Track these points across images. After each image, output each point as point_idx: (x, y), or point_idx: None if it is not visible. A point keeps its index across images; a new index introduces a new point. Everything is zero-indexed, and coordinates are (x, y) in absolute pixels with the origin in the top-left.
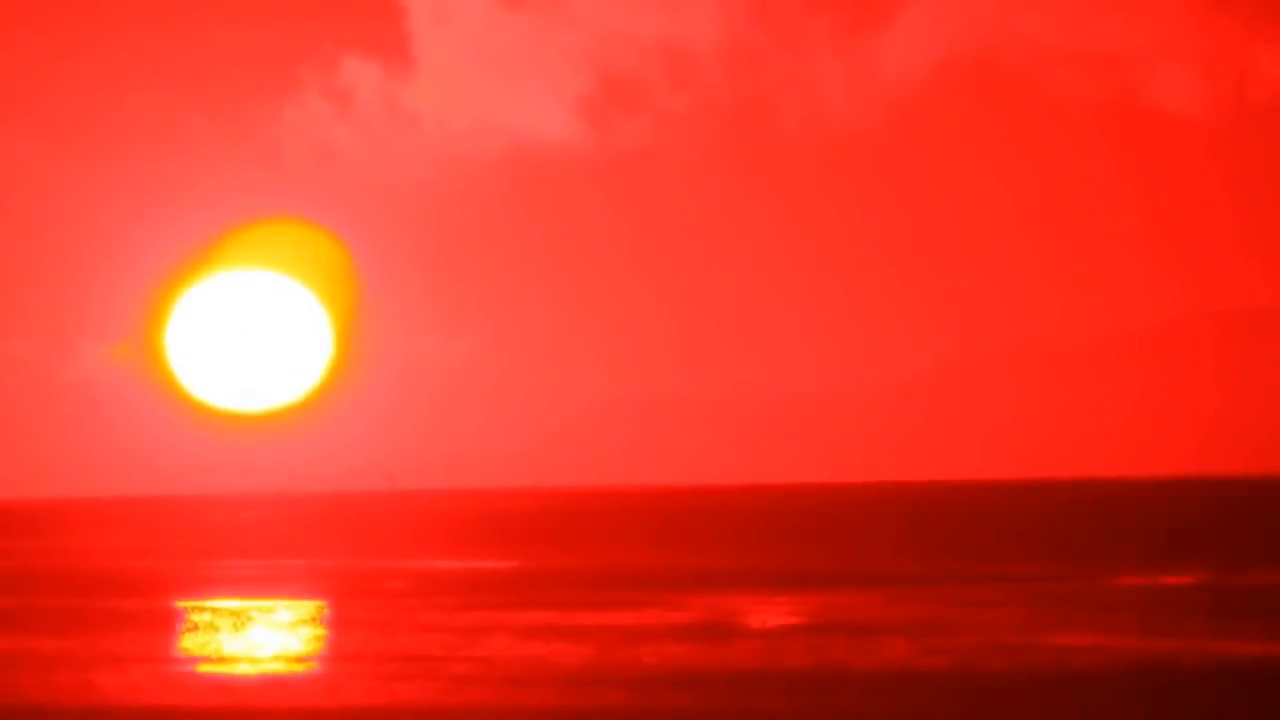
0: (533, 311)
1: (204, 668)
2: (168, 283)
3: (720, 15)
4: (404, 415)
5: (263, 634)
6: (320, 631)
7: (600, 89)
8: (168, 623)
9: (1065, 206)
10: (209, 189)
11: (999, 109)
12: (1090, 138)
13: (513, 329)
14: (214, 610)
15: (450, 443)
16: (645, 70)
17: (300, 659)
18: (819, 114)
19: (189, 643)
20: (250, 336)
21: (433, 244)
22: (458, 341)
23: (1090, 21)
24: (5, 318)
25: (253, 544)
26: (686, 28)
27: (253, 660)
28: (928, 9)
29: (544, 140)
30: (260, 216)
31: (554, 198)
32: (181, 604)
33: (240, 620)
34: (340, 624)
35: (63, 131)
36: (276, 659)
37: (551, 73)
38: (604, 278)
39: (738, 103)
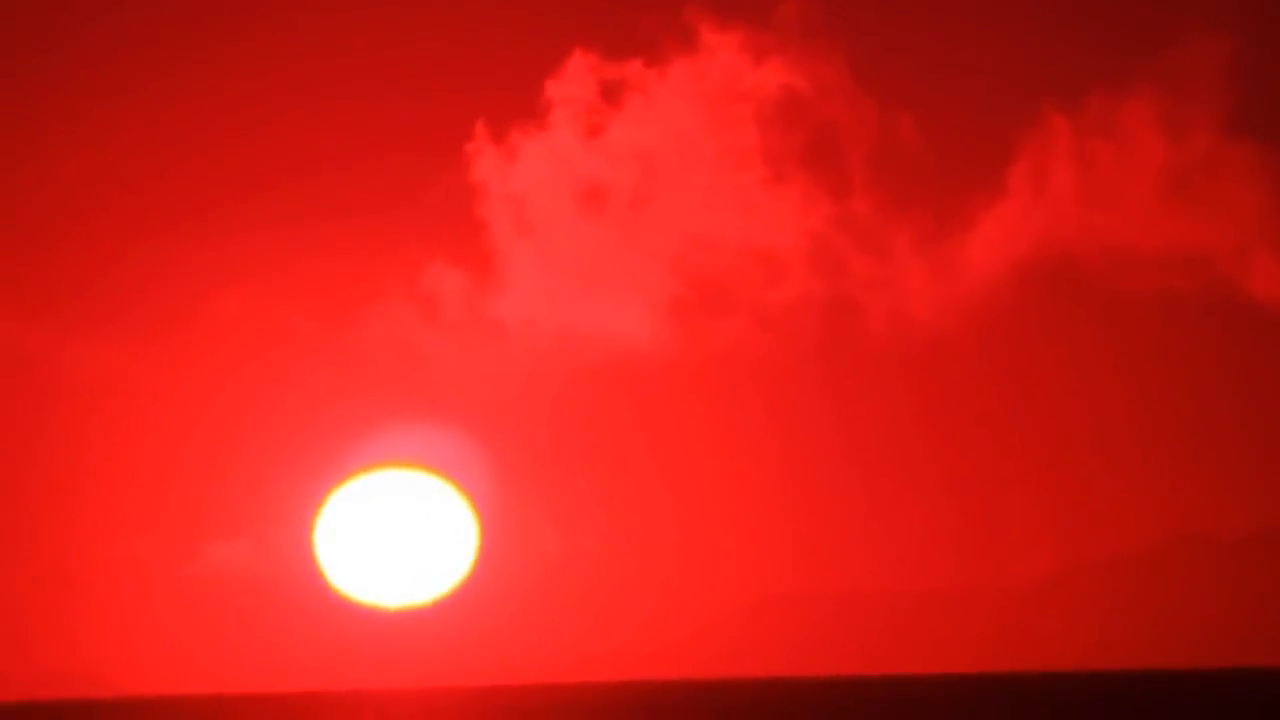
0: (643, 513)
1: None
2: (298, 483)
3: (802, 218)
4: (542, 612)
5: None
6: None
7: (687, 291)
8: None
9: (1166, 403)
10: (309, 388)
11: (1084, 306)
12: (1183, 332)
13: (627, 531)
14: None
15: (593, 638)
16: (730, 272)
17: None
18: (905, 313)
19: None
20: (395, 532)
21: (532, 449)
22: (579, 543)
23: (1171, 220)
24: (116, 522)
25: None
26: (769, 230)
27: None
28: (1009, 210)
29: (634, 345)
30: (363, 422)
31: (649, 401)
32: None
33: None
34: None
35: (151, 334)
36: None
37: (636, 278)
38: (710, 478)
39: (824, 303)
